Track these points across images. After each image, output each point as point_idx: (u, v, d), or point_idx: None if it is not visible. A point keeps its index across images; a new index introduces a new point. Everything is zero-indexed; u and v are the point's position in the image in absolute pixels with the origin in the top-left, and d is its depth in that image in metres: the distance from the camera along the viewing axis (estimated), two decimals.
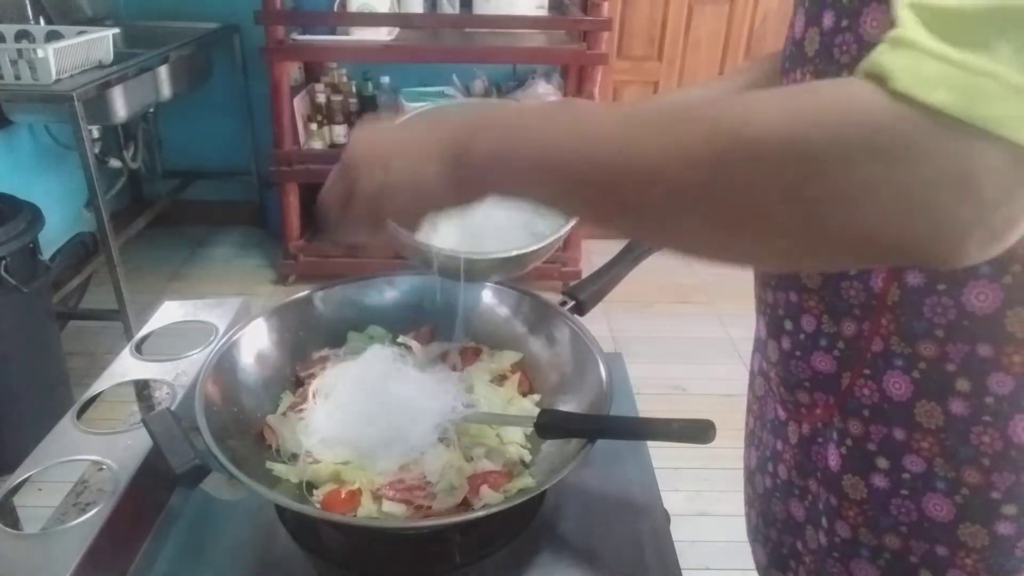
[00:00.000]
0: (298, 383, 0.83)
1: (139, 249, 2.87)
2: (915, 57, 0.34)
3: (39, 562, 0.62)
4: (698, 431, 0.66)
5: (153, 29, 2.78)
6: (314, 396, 0.78)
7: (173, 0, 2.91)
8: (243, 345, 0.81)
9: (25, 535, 0.65)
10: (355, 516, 0.67)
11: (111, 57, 2.23)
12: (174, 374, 0.86)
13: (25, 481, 0.71)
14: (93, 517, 0.66)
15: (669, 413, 0.69)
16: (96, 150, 2.39)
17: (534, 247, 0.70)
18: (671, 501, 0.78)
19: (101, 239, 2.21)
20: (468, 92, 2.91)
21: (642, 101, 0.70)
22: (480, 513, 0.63)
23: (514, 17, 2.73)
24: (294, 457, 0.73)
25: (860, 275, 0.57)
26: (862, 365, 0.60)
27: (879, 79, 0.34)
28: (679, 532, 0.75)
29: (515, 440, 0.76)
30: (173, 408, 0.77)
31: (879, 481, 0.61)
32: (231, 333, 0.81)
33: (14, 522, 0.67)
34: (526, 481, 0.71)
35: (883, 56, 0.35)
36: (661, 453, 0.81)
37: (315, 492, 0.70)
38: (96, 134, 2.43)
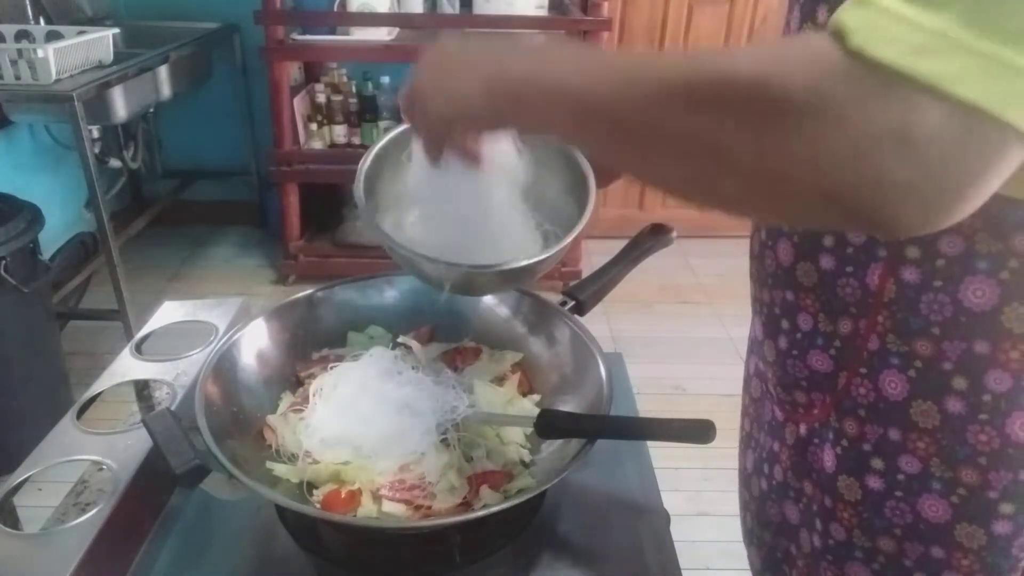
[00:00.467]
0: (298, 383, 0.83)
1: (139, 249, 2.87)
2: (872, 14, 0.34)
3: (39, 562, 0.62)
4: (698, 431, 0.66)
5: (153, 29, 2.78)
6: (314, 396, 0.78)
7: (173, 0, 2.91)
8: (243, 345, 0.81)
9: (25, 535, 0.65)
10: (355, 516, 0.67)
11: (111, 57, 2.23)
12: (174, 374, 0.86)
13: (25, 481, 0.71)
14: (93, 517, 0.66)
15: (669, 413, 0.69)
16: (96, 150, 2.39)
17: (539, 257, 0.68)
18: (671, 501, 0.77)
19: (101, 239, 2.21)
20: None
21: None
22: (480, 513, 0.63)
23: (514, 17, 2.73)
24: (294, 457, 0.73)
25: (856, 272, 0.57)
26: (858, 364, 0.59)
27: (838, 35, 0.35)
28: (679, 532, 0.75)
29: (515, 440, 0.76)
30: (173, 408, 0.77)
31: (874, 482, 0.61)
32: (231, 333, 0.81)
33: (14, 522, 0.67)
34: (526, 481, 0.71)
35: (844, 13, 0.36)
36: (661, 453, 0.81)
37: (315, 492, 0.70)
38: (96, 134, 2.43)
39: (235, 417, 0.75)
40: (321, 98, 2.80)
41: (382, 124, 2.81)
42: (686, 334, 2.66)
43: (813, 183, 0.37)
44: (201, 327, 0.95)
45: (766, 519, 0.75)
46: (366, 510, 0.68)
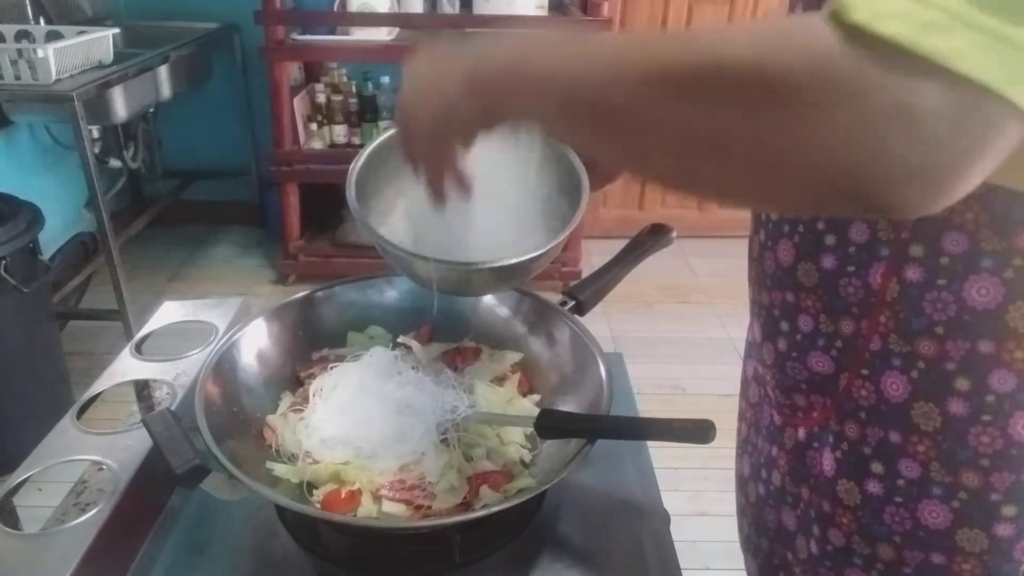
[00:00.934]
0: (298, 383, 0.83)
1: (139, 249, 2.87)
2: None
3: (39, 562, 0.62)
4: (698, 431, 0.66)
5: (153, 29, 2.78)
6: (314, 396, 0.78)
7: (173, 0, 2.91)
8: (243, 345, 0.81)
9: (25, 535, 0.65)
10: (355, 516, 0.67)
11: (111, 57, 2.23)
12: (174, 374, 0.86)
13: (25, 481, 0.71)
14: (93, 517, 0.66)
15: (669, 413, 0.69)
16: (96, 150, 2.39)
17: (532, 255, 0.67)
18: (671, 501, 0.77)
19: (101, 239, 2.21)
20: None
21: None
22: (480, 513, 0.63)
23: (514, 17, 2.73)
24: (294, 457, 0.73)
25: (858, 272, 0.57)
26: (860, 365, 0.59)
27: (839, 11, 0.34)
28: (679, 532, 0.75)
29: (515, 440, 0.76)
30: (173, 408, 0.77)
31: (873, 487, 0.60)
32: (231, 333, 0.81)
33: (14, 522, 0.67)
34: (526, 481, 0.71)
35: None
36: (661, 453, 0.81)
37: (315, 492, 0.70)
38: (96, 134, 2.43)
39: (235, 417, 0.75)
40: (321, 98, 2.80)
41: (382, 124, 2.81)
42: (686, 334, 2.66)
43: (814, 166, 0.36)
44: (201, 327, 0.95)
45: (763, 525, 0.74)
46: (366, 510, 0.68)
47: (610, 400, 0.72)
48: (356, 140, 2.85)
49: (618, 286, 0.91)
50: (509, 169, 0.68)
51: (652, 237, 0.90)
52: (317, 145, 2.81)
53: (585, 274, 1.05)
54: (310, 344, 0.86)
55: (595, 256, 2.85)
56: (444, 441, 0.73)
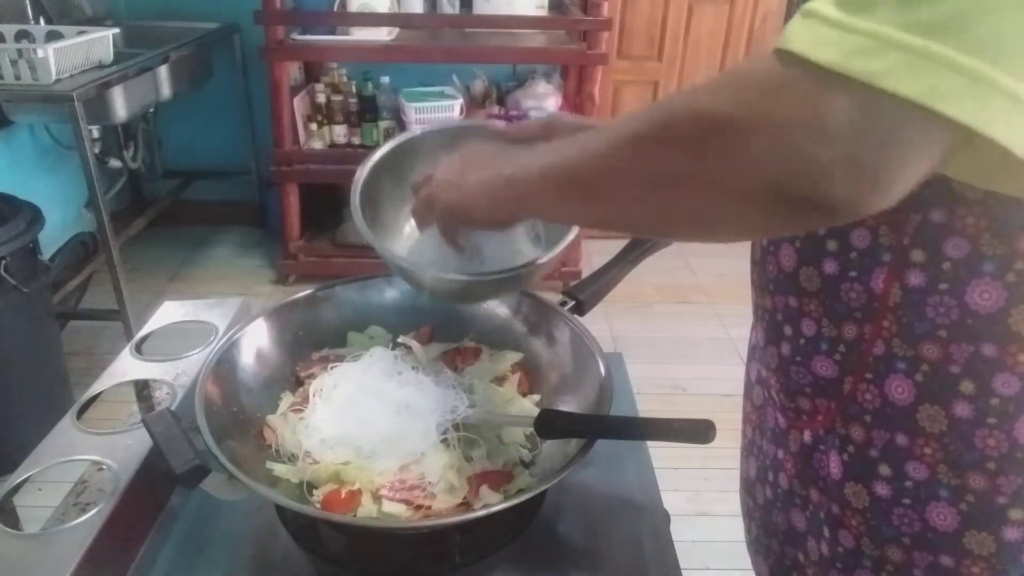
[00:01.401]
0: (298, 383, 0.83)
1: (139, 249, 2.87)
2: (813, 23, 0.38)
3: (39, 562, 0.62)
4: (698, 431, 0.66)
5: (153, 29, 2.78)
6: (314, 396, 0.78)
7: (173, 0, 2.91)
8: (243, 345, 0.81)
9: (25, 535, 0.65)
10: (355, 516, 0.67)
11: (111, 57, 2.23)
12: (174, 374, 0.86)
13: (25, 481, 0.71)
14: (93, 517, 0.66)
15: (669, 413, 0.69)
16: (96, 150, 2.39)
17: (539, 262, 0.69)
18: (671, 501, 0.77)
19: (101, 239, 2.21)
20: (468, 92, 2.91)
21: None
22: (480, 513, 0.63)
23: (514, 17, 2.73)
24: (294, 457, 0.73)
25: (860, 277, 0.57)
26: (864, 369, 0.59)
27: (781, 48, 0.38)
28: (679, 532, 0.75)
29: (515, 440, 0.76)
30: (173, 408, 0.77)
31: (881, 489, 0.60)
32: (231, 333, 0.81)
33: (14, 522, 0.67)
34: (526, 481, 0.71)
35: (789, 27, 0.39)
36: (661, 453, 0.81)
37: (315, 492, 0.70)
38: (96, 134, 2.43)
39: (235, 417, 0.75)
40: (321, 98, 2.80)
41: (382, 124, 2.81)
42: (686, 334, 2.66)
43: (758, 185, 0.40)
44: (201, 327, 0.95)
45: (772, 527, 0.74)
46: (366, 510, 0.68)
47: (610, 400, 0.72)
48: (356, 140, 2.85)
49: (618, 286, 0.91)
50: None
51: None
52: (317, 145, 2.81)
53: (585, 274, 1.05)
54: (310, 344, 0.86)
55: (595, 256, 2.85)
56: (444, 441, 0.73)
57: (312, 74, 3.01)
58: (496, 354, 0.86)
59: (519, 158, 0.57)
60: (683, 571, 0.69)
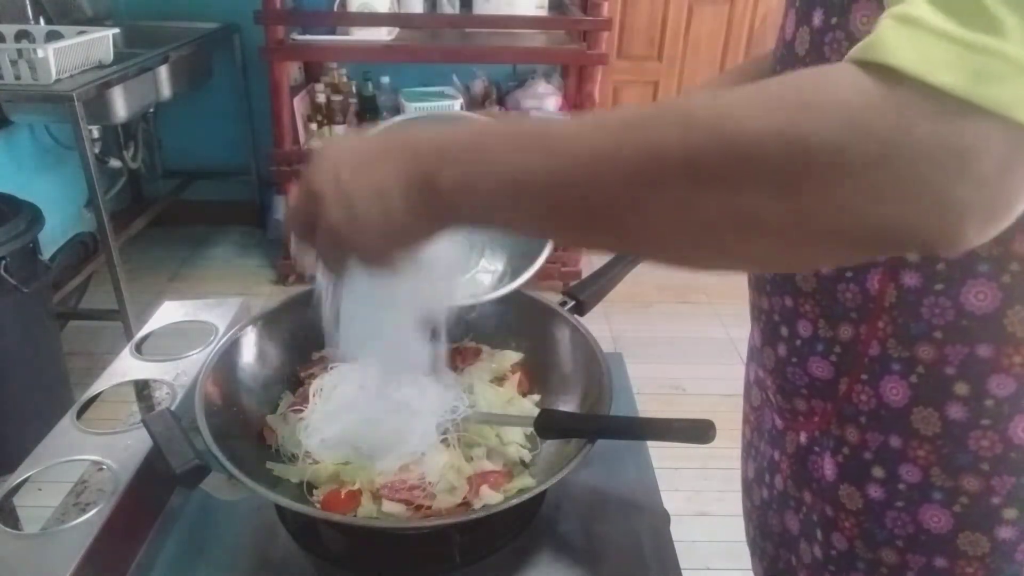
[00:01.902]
0: (298, 383, 0.83)
1: (139, 249, 2.87)
2: (919, 35, 0.33)
3: (39, 562, 0.62)
4: (698, 431, 0.66)
5: (153, 29, 2.77)
6: (314, 396, 0.78)
7: (173, 0, 2.91)
8: (243, 345, 0.81)
9: (25, 535, 0.65)
10: (355, 516, 0.67)
11: (111, 57, 2.23)
12: (174, 374, 0.86)
13: (25, 481, 0.71)
14: (93, 517, 0.66)
15: (669, 413, 0.69)
16: (96, 150, 2.39)
17: (484, 298, 0.70)
18: (671, 501, 0.77)
19: (101, 239, 2.20)
20: (468, 92, 2.91)
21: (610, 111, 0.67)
22: (480, 513, 0.63)
23: (514, 17, 2.73)
24: (294, 457, 0.73)
25: (856, 277, 0.57)
26: (859, 370, 0.59)
27: (877, 59, 0.33)
28: (679, 532, 0.75)
29: (515, 440, 0.76)
30: (173, 408, 0.77)
31: (875, 491, 0.60)
32: (231, 333, 0.81)
33: (14, 522, 0.67)
34: (526, 481, 0.71)
35: (886, 33, 0.33)
36: (661, 453, 0.81)
37: (315, 492, 0.70)
38: (96, 134, 2.43)
39: (235, 417, 0.75)
40: (321, 98, 2.80)
41: (382, 124, 2.81)
42: (686, 334, 2.66)
43: (866, 226, 0.34)
44: (201, 327, 0.95)
45: (767, 529, 0.74)
46: (366, 510, 0.68)
47: (610, 400, 0.72)
48: None
49: (618, 286, 0.91)
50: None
51: None
52: (317, 145, 2.81)
53: (585, 274, 1.04)
54: (310, 344, 0.86)
55: (595, 256, 2.85)
56: (444, 441, 0.73)
57: (312, 74, 3.01)
58: (496, 354, 0.86)
59: (455, 149, 0.42)
60: (683, 571, 0.69)
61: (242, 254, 3.14)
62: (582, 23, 2.70)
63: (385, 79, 2.86)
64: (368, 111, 2.84)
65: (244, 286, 2.87)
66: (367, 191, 0.43)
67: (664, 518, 0.75)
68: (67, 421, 0.78)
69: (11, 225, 1.78)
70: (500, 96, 2.96)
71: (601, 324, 2.56)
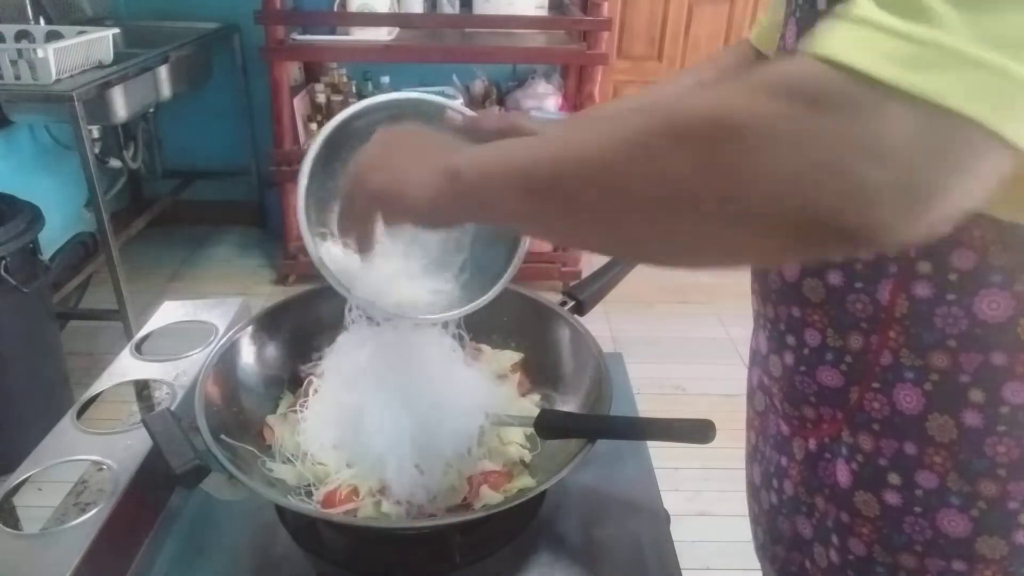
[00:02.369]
0: (298, 383, 0.83)
1: (139, 249, 2.86)
2: (862, 28, 0.34)
3: (39, 562, 0.62)
4: (698, 431, 0.66)
5: (153, 29, 2.77)
6: (314, 396, 0.78)
7: (173, 0, 2.91)
8: (243, 345, 0.81)
9: (25, 535, 0.65)
10: (355, 516, 0.67)
11: (111, 57, 2.23)
12: (174, 374, 0.86)
13: (25, 481, 0.71)
14: (93, 517, 0.66)
15: (669, 413, 0.69)
16: (96, 150, 2.39)
17: (459, 311, 0.70)
18: (671, 501, 0.77)
19: (101, 239, 2.20)
20: (468, 92, 2.91)
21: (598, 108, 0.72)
22: (480, 513, 0.64)
23: (514, 17, 2.73)
24: (294, 457, 0.73)
25: (866, 288, 0.56)
26: (871, 379, 0.59)
27: (819, 52, 0.34)
28: (679, 532, 0.75)
29: (515, 440, 0.76)
30: (173, 408, 0.77)
31: (891, 498, 0.60)
32: (231, 333, 0.81)
33: (14, 522, 0.67)
34: (526, 481, 0.71)
35: (832, 29, 0.35)
36: (661, 453, 0.81)
37: (315, 492, 0.70)
38: (96, 134, 2.43)
39: (235, 417, 0.75)
40: (321, 98, 2.80)
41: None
42: (686, 334, 2.66)
43: (786, 209, 0.35)
44: (201, 327, 0.95)
45: (778, 533, 0.74)
46: (366, 510, 0.68)
47: (610, 400, 0.72)
48: None
49: (618, 286, 0.91)
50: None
51: None
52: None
53: (585, 274, 1.04)
54: (310, 344, 0.86)
55: (595, 256, 2.85)
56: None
57: (312, 74, 3.01)
58: (496, 354, 0.86)
59: (469, 151, 0.49)
60: (683, 571, 0.69)
61: (242, 254, 3.14)
62: (582, 23, 2.70)
63: (385, 79, 2.86)
64: None
65: (244, 286, 2.86)
66: (411, 173, 0.51)
67: (664, 518, 0.76)
68: (67, 421, 0.78)
69: (11, 225, 1.79)
70: (500, 96, 2.96)
71: (601, 324, 2.56)
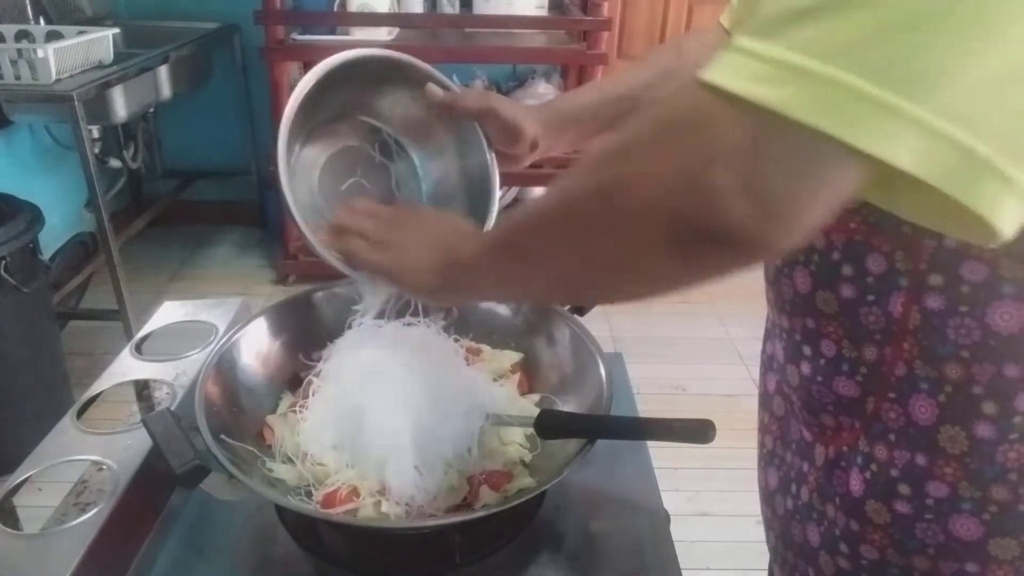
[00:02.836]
0: (298, 383, 0.83)
1: (139, 249, 2.87)
2: (731, 53, 0.38)
3: (39, 562, 0.62)
4: (698, 431, 0.66)
5: (153, 29, 2.77)
6: (314, 396, 0.78)
7: (173, 0, 2.91)
8: (243, 345, 0.81)
9: (25, 535, 0.65)
10: (355, 516, 0.67)
11: (111, 57, 2.23)
12: (174, 374, 0.86)
13: (25, 481, 0.71)
14: (93, 517, 0.66)
15: (669, 413, 0.69)
16: (96, 150, 2.39)
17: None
18: (671, 501, 0.77)
19: (101, 239, 2.20)
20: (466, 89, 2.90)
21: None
22: (480, 513, 0.63)
23: (514, 17, 2.73)
24: (294, 457, 0.73)
25: (878, 300, 0.56)
26: (887, 389, 0.58)
27: (699, 76, 0.38)
28: (679, 532, 0.75)
29: (515, 440, 0.76)
30: (173, 408, 0.77)
31: (902, 507, 0.60)
32: (231, 333, 0.81)
33: (14, 522, 0.67)
34: (526, 481, 0.71)
35: (716, 56, 0.39)
36: (661, 453, 0.81)
37: (315, 492, 0.70)
38: (96, 134, 2.43)
39: (235, 417, 0.75)
40: None
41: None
42: (686, 334, 2.66)
43: (656, 217, 0.40)
44: (201, 327, 0.95)
45: (789, 539, 0.73)
46: (366, 510, 0.68)
47: (610, 400, 0.72)
48: None
49: None
50: None
51: None
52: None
53: None
54: (310, 344, 0.86)
55: None
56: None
57: None
58: (496, 354, 0.86)
59: (466, 247, 0.59)
60: (683, 571, 0.69)
61: (242, 254, 3.14)
62: (582, 23, 2.70)
63: None
64: None
65: (244, 286, 2.87)
66: (413, 257, 0.63)
67: (664, 518, 0.76)
68: (67, 421, 0.78)
69: (11, 225, 1.79)
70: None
71: (601, 324, 2.56)
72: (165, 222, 3.05)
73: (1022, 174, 0.36)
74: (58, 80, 2.00)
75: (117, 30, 2.31)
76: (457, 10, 2.82)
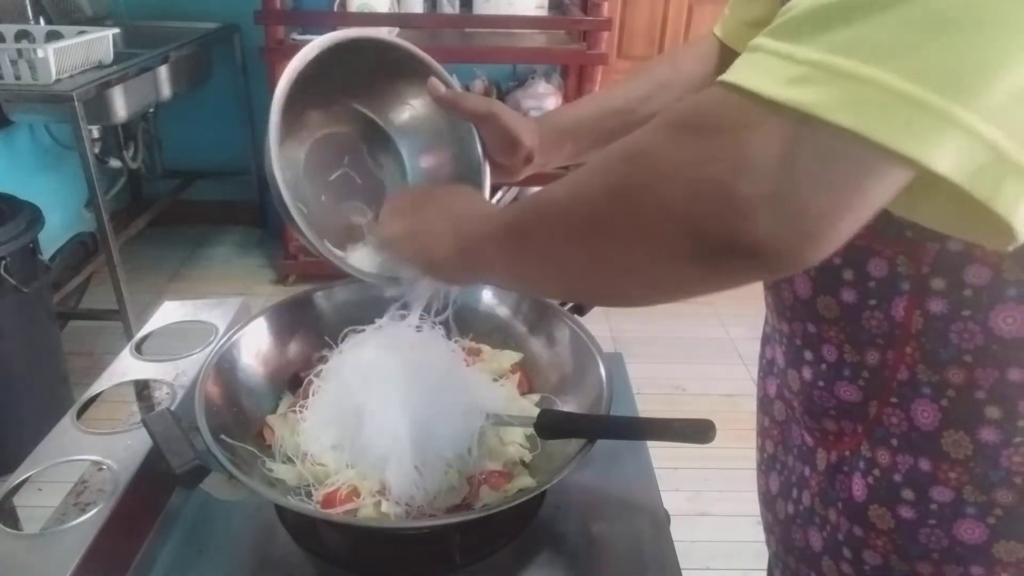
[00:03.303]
0: (298, 383, 0.83)
1: (139, 249, 2.87)
2: (755, 55, 0.36)
3: (39, 562, 0.62)
4: (698, 431, 0.66)
5: (153, 29, 2.78)
6: (314, 396, 0.78)
7: (173, 0, 2.91)
8: (243, 345, 0.81)
9: (25, 535, 0.65)
10: (355, 516, 0.67)
11: (111, 57, 2.23)
12: (174, 374, 0.86)
13: (25, 481, 0.71)
14: (93, 517, 0.66)
15: (669, 413, 0.69)
16: (96, 150, 2.39)
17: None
18: (671, 501, 0.77)
19: (101, 239, 2.21)
20: (468, 92, 2.90)
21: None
22: (480, 513, 0.63)
23: (514, 17, 2.73)
24: (294, 457, 0.73)
25: (880, 305, 0.56)
26: (888, 393, 0.58)
27: (721, 78, 0.37)
28: (679, 532, 0.75)
29: (515, 440, 0.76)
30: (173, 408, 0.77)
31: (906, 512, 0.60)
32: (231, 333, 0.81)
33: (14, 522, 0.67)
34: (526, 481, 0.71)
35: (740, 58, 0.38)
36: (661, 453, 0.81)
37: (315, 492, 0.70)
38: (96, 134, 2.43)
39: (235, 417, 0.75)
40: None
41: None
42: (686, 334, 2.66)
43: (675, 226, 0.38)
44: (201, 327, 0.95)
45: (790, 544, 0.73)
46: (366, 510, 0.68)
47: (610, 400, 0.72)
48: None
49: None
50: None
51: None
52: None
53: None
54: (310, 344, 0.86)
55: None
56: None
57: None
58: (496, 354, 0.86)
59: (476, 221, 0.58)
60: (683, 571, 0.69)
61: (242, 254, 3.14)
62: (582, 23, 2.70)
63: None
64: None
65: (244, 286, 2.87)
66: (430, 235, 0.61)
67: (664, 518, 0.75)
68: (67, 421, 0.78)
69: (11, 225, 1.79)
70: (500, 96, 2.96)
71: (601, 324, 2.56)
72: (165, 222, 3.05)
73: None
74: (58, 80, 2.00)
75: (117, 30, 2.31)
76: (457, 10, 2.82)
